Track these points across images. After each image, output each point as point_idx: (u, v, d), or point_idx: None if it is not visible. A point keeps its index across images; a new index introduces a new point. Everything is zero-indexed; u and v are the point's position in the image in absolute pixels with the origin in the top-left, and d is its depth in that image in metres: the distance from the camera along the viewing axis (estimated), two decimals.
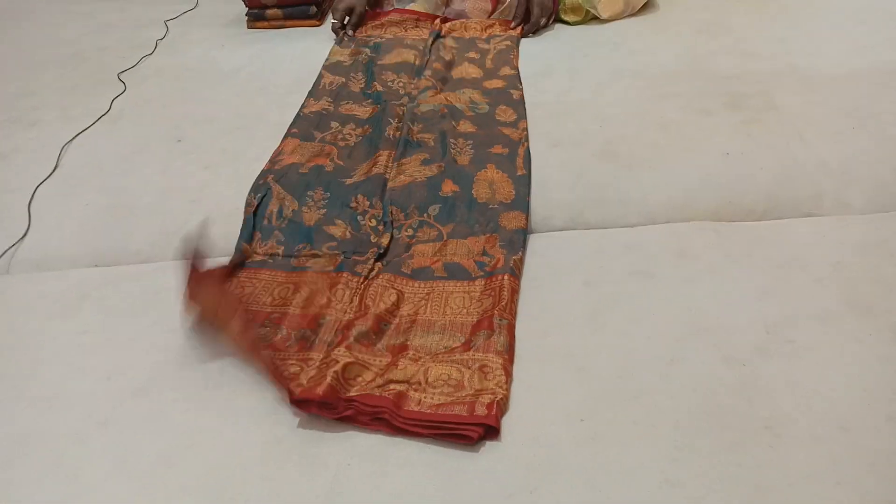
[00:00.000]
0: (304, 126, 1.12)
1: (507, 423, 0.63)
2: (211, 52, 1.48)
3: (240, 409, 0.67)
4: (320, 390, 0.64)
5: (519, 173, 0.97)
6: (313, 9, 1.56)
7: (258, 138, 1.12)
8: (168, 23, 1.65)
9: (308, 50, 1.43)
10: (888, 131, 1.01)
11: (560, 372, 0.68)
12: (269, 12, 1.56)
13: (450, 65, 1.31)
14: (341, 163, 1.02)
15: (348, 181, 0.98)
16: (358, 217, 0.92)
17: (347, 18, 1.48)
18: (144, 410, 0.67)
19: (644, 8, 1.50)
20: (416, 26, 1.48)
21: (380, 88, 1.22)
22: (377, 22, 1.50)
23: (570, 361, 0.69)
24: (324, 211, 0.93)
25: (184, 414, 0.67)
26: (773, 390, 0.64)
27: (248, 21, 1.59)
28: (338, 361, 0.68)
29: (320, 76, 1.28)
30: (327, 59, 1.35)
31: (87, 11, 1.74)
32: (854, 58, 1.23)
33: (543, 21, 1.45)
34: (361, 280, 0.82)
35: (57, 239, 0.95)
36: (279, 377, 0.67)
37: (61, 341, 0.77)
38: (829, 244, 0.84)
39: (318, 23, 1.57)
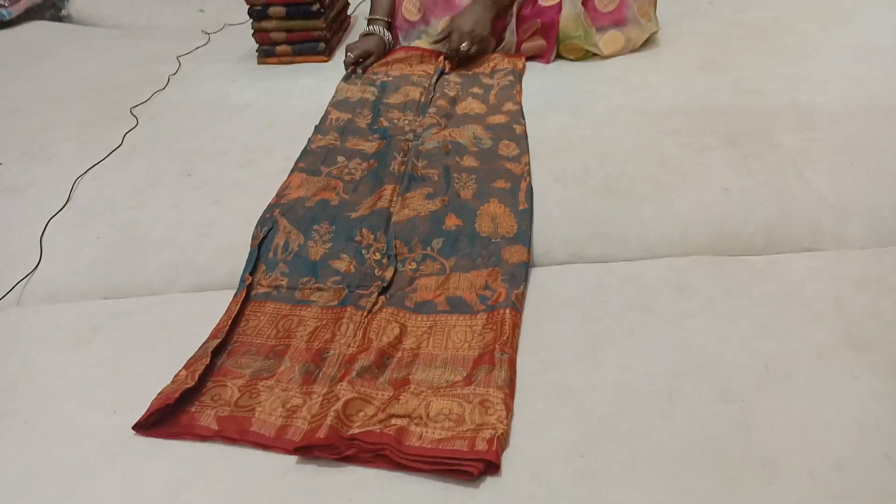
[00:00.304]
0: (310, 160, 1.15)
1: (507, 459, 0.64)
2: (222, 87, 1.52)
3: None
4: (322, 434, 0.65)
5: (521, 207, 0.99)
6: (322, 45, 1.60)
7: (267, 173, 1.14)
8: (180, 58, 1.69)
9: (316, 86, 1.47)
10: (886, 167, 1.03)
11: (559, 407, 0.69)
12: (279, 48, 1.61)
13: (454, 101, 1.33)
14: (346, 197, 1.04)
15: (353, 215, 1.00)
16: (362, 251, 0.94)
17: (362, 61, 1.52)
18: (153, 446, 0.68)
19: (645, 45, 1.53)
20: (422, 62, 1.51)
21: (385, 124, 1.25)
22: (383, 59, 1.54)
23: (569, 397, 0.70)
24: (329, 245, 0.95)
25: (190, 448, 0.68)
26: (771, 427, 0.65)
27: (259, 57, 1.63)
28: (339, 398, 0.69)
29: (327, 112, 1.31)
30: (334, 97, 1.38)
31: (105, 48, 1.80)
32: (853, 94, 1.25)
33: (466, 46, 1.44)
34: (365, 314, 0.84)
35: (68, 271, 0.98)
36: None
37: (72, 374, 0.79)
38: (828, 279, 0.85)
39: (326, 59, 1.61)
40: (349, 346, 0.79)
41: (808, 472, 0.61)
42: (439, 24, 1.53)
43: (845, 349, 0.74)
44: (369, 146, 1.19)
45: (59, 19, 2.11)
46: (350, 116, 1.29)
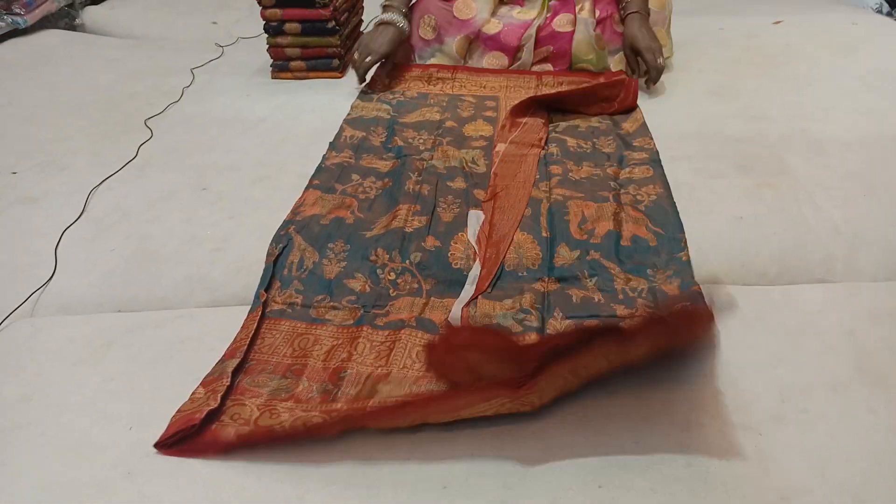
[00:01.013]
0: (325, 178, 1.15)
1: (525, 484, 0.64)
2: (236, 101, 1.53)
3: (263, 465, 0.68)
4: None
5: None
6: (336, 62, 1.61)
7: (281, 189, 1.15)
8: (194, 70, 1.70)
9: (330, 102, 1.48)
10: None
11: (577, 435, 0.69)
12: (293, 64, 1.62)
13: (465, 121, 1.34)
14: (361, 215, 1.05)
15: (368, 234, 1.00)
16: (377, 270, 0.94)
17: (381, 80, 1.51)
18: (169, 462, 0.68)
19: None
20: (439, 80, 1.52)
21: (400, 143, 1.26)
22: (400, 77, 1.55)
23: (586, 424, 0.70)
24: (344, 264, 0.95)
25: (207, 467, 0.68)
26: (789, 460, 0.65)
27: (273, 71, 1.64)
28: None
29: (342, 129, 1.32)
30: (349, 114, 1.39)
31: (119, 58, 1.81)
32: (863, 122, 1.26)
33: (662, 61, 1.42)
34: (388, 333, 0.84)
35: (83, 283, 0.98)
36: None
37: (87, 388, 0.78)
38: (842, 311, 0.85)
39: (339, 75, 1.62)
40: (368, 365, 0.79)
41: None
42: (454, 43, 1.54)
43: (861, 382, 0.74)
44: (383, 165, 1.19)
45: (74, 28, 2.12)
46: (364, 134, 1.30)
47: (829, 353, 0.78)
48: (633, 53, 1.46)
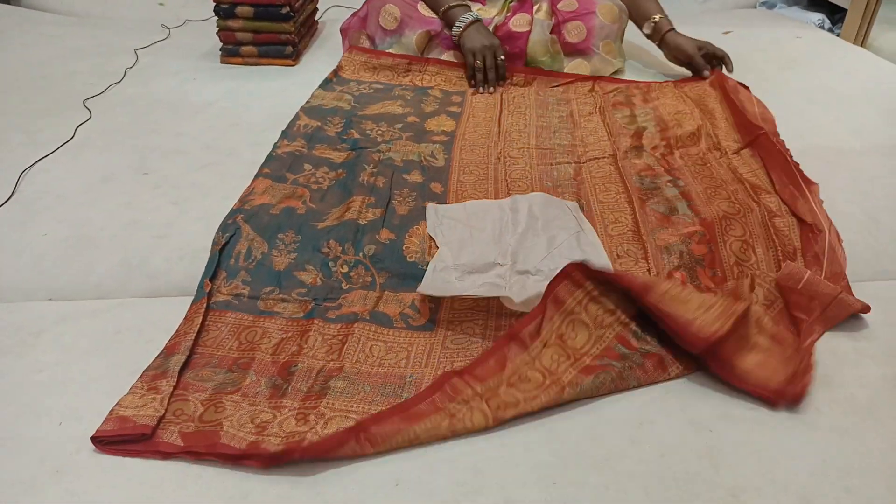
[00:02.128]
0: (276, 167, 1.12)
1: (478, 482, 0.63)
2: (182, 84, 1.47)
3: (204, 462, 0.64)
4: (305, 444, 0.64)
5: None
6: (289, 49, 1.57)
7: (229, 176, 1.11)
8: (138, 51, 1.63)
9: (283, 90, 1.44)
10: (839, 207, 1.06)
11: (531, 432, 0.68)
12: (245, 49, 1.57)
13: (427, 116, 1.33)
14: (314, 206, 1.02)
15: (320, 225, 0.97)
16: (329, 263, 0.91)
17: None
18: (101, 459, 0.64)
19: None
20: (408, 72, 1.51)
21: (356, 136, 1.23)
22: (371, 65, 1.53)
23: (540, 422, 0.69)
24: (294, 255, 0.92)
25: (143, 465, 0.64)
26: (739, 457, 0.66)
27: (222, 56, 1.59)
28: (321, 418, 0.68)
29: (296, 117, 1.29)
30: (308, 102, 1.36)
31: (58, 35, 1.72)
32: (809, 136, 1.30)
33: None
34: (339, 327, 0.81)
35: (10, 269, 0.92)
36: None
37: (15, 379, 0.73)
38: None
39: (292, 63, 1.58)
40: (318, 359, 0.76)
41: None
42: (414, 37, 1.52)
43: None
44: (337, 155, 1.16)
45: (8, 2, 2.01)
46: (320, 124, 1.27)
47: None
48: (694, 56, 1.49)
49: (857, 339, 0.81)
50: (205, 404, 0.69)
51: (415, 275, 0.90)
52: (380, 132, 1.25)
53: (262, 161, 1.13)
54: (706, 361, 0.74)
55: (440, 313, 0.84)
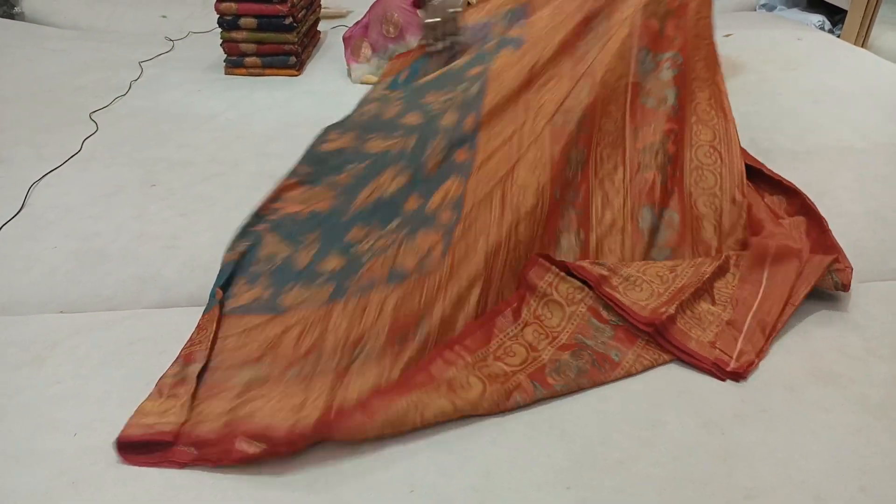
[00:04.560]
0: (312, 167, 1.02)
1: (492, 487, 0.63)
2: (187, 96, 1.48)
3: (219, 471, 0.65)
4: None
5: None
6: (293, 59, 1.58)
7: (236, 186, 1.11)
8: (143, 64, 1.64)
9: (287, 100, 1.44)
10: (844, 207, 1.07)
11: (544, 436, 0.68)
12: (249, 60, 1.58)
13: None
14: (339, 202, 0.96)
15: (344, 218, 0.93)
16: (352, 248, 0.88)
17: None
18: (118, 470, 0.64)
19: None
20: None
21: (414, 122, 1.05)
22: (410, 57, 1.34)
23: (552, 424, 0.70)
24: (316, 249, 0.90)
25: (159, 475, 0.64)
26: (753, 459, 0.66)
27: (226, 67, 1.60)
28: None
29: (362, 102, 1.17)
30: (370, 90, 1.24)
31: (63, 49, 1.73)
32: (810, 136, 1.30)
33: None
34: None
35: (22, 283, 0.92)
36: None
37: (30, 393, 0.74)
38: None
39: (296, 73, 1.59)
40: (342, 335, 0.77)
41: None
42: (415, 43, 1.52)
43: (813, 383, 0.75)
44: (383, 146, 1.03)
45: (12, 17, 2.02)
46: (377, 109, 1.12)
47: (783, 352, 0.80)
48: None
49: (868, 339, 0.81)
50: (234, 400, 0.70)
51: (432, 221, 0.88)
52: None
53: (273, 169, 1.04)
54: (657, 340, 0.80)
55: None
